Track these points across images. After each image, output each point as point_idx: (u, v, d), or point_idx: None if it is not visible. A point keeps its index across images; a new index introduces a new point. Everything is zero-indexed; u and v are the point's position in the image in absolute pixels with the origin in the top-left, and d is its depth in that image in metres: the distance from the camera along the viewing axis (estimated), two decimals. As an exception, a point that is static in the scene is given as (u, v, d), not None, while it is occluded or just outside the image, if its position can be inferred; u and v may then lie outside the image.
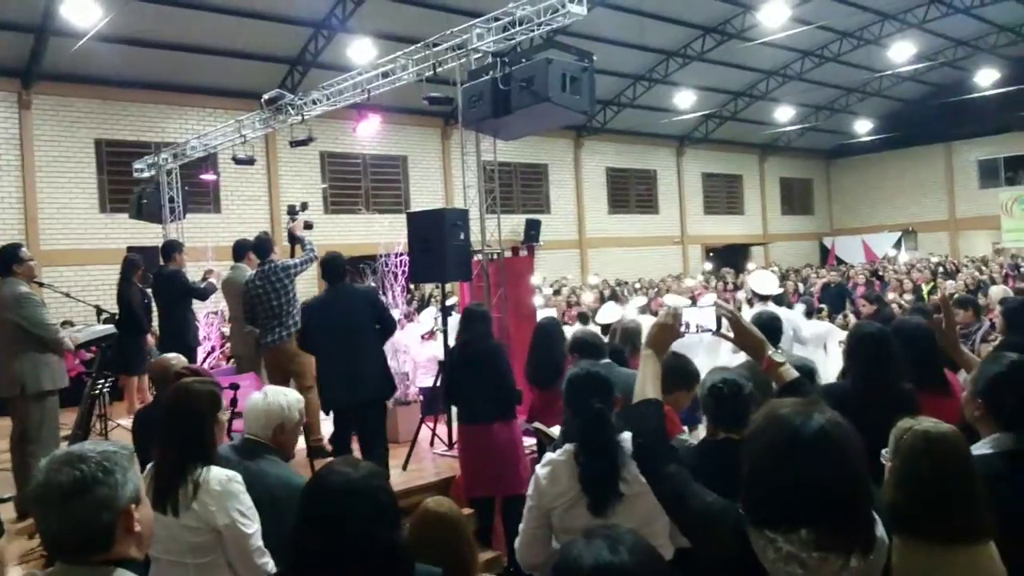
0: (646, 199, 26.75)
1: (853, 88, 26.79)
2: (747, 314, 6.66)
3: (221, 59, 15.88)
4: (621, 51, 19.81)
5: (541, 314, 7.75)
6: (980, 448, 2.54)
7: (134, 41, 14.34)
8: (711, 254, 28.33)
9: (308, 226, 7.16)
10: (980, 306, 7.22)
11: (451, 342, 7.06)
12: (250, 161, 12.07)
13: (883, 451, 2.30)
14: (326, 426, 6.41)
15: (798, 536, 1.66)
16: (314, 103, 10.32)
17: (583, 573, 1.45)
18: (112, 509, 1.69)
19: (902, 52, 21.53)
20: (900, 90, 27.70)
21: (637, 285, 18.57)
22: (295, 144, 11.10)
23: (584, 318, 10.03)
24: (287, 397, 3.36)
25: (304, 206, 7.54)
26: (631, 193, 26.31)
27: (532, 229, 21.45)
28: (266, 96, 10.57)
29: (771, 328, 5.07)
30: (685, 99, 22.40)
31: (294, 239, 7.09)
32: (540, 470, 2.89)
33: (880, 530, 1.77)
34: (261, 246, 6.88)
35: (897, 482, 2.20)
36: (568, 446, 2.86)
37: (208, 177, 15.19)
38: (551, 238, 22.15)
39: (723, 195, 29.33)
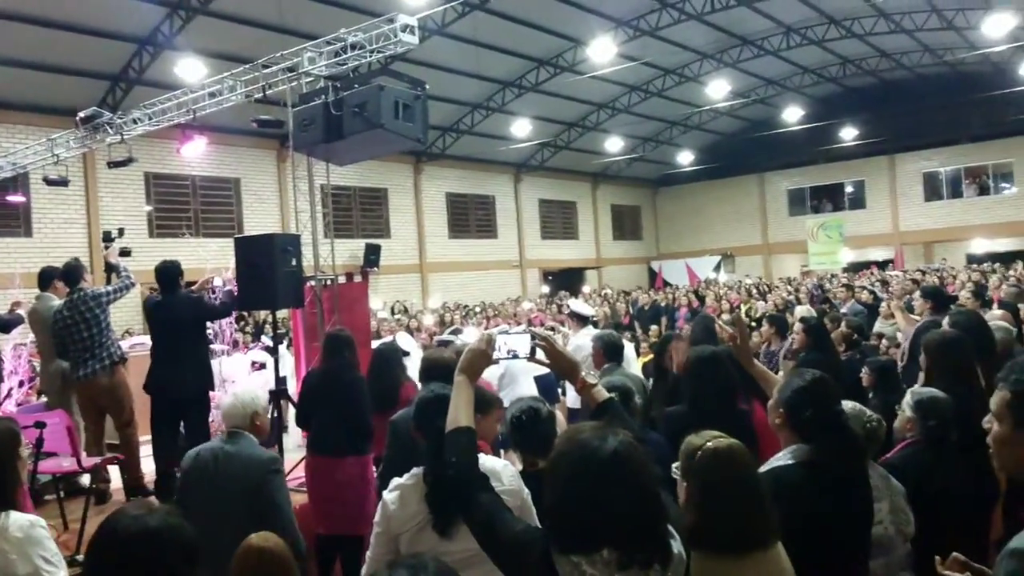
0: (485, 224, 27.18)
1: (676, 121, 28.45)
2: (579, 337, 6.90)
3: (33, 73, 14.77)
4: (459, 79, 20.12)
5: (402, 341, 7.61)
6: (781, 459, 2.70)
7: (-71, 50, 13.15)
8: (549, 277, 29.11)
9: (125, 253, 6.82)
10: (787, 324, 7.72)
11: (283, 371, 6.92)
12: (63, 182, 11.33)
13: (673, 466, 2.37)
14: (148, 463, 6.08)
15: (600, 557, 1.71)
16: (135, 122, 9.83)
17: None
18: None
19: (719, 89, 23.10)
20: (718, 124, 29.75)
21: (478, 309, 18.77)
22: (113, 165, 10.51)
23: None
24: (250, 390, 3.79)
25: (120, 232, 7.20)
26: (471, 218, 26.67)
27: (372, 254, 21.19)
28: (82, 114, 9.98)
29: (615, 347, 5.46)
30: (521, 128, 23.02)
31: (110, 267, 6.71)
32: (388, 495, 2.81)
33: (678, 546, 1.84)
34: (70, 273, 6.33)
35: (692, 500, 2.27)
36: (416, 470, 2.84)
37: (16, 199, 14.07)
38: (392, 262, 22.03)
39: (559, 221, 30.28)
